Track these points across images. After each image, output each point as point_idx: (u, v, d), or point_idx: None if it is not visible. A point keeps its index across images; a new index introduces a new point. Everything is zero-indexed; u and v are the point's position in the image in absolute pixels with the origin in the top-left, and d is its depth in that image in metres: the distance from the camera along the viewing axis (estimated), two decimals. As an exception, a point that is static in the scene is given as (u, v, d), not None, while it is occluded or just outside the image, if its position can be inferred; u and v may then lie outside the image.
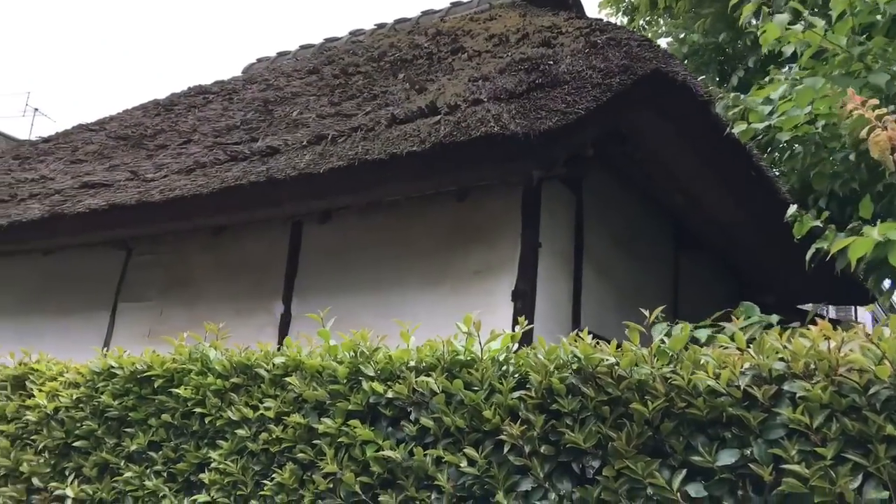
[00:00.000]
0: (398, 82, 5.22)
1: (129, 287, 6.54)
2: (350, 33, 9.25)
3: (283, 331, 5.56)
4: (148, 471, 2.78)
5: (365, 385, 2.48)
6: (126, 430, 2.91)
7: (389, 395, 2.43)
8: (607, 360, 2.20)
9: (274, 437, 2.55)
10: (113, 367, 3.00)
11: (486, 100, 4.13)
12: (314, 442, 2.49)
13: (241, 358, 2.80)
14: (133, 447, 2.81)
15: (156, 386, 2.84)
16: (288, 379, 2.59)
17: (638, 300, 5.33)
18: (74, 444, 2.95)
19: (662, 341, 2.23)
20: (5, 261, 7.04)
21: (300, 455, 2.47)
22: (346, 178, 4.43)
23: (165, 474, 2.78)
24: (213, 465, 2.61)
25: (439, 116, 4.15)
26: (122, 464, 2.82)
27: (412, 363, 2.52)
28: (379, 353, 2.63)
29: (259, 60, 10.17)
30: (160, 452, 2.80)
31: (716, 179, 5.34)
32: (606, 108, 4.06)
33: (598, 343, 2.37)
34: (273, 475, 2.50)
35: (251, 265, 5.90)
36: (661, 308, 2.53)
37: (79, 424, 2.97)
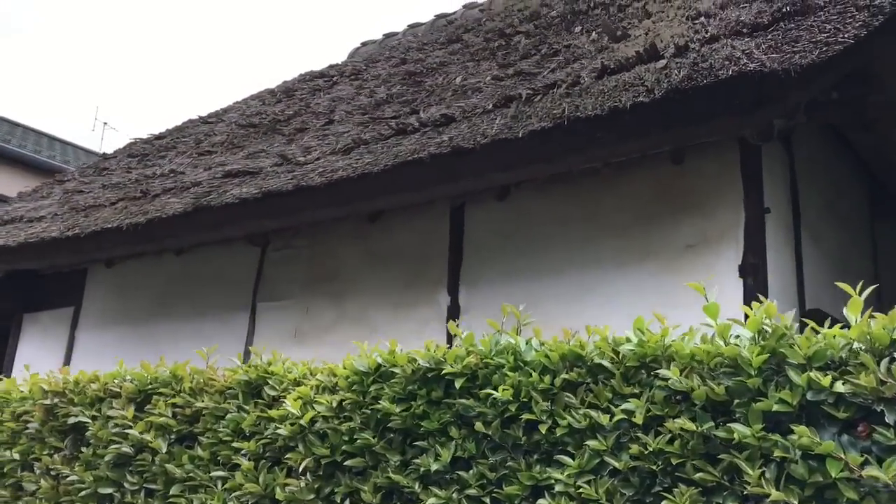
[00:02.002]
0: (579, 35, 4.59)
1: (268, 285, 6.07)
2: (464, 7, 8.70)
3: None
4: (457, 496, 2.19)
5: (795, 376, 1.82)
6: (415, 443, 2.33)
7: (839, 388, 1.77)
8: None
9: (651, 449, 1.93)
10: (383, 366, 2.42)
11: (723, 36, 3.46)
12: (718, 456, 1.87)
13: (572, 347, 2.18)
14: (433, 466, 2.22)
15: (457, 387, 2.24)
16: (661, 372, 1.96)
17: (847, 273, 4.63)
18: (345, 462, 2.39)
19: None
20: (136, 263, 6.66)
21: (698, 476, 1.84)
22: (545, 143, 3.82)
23: (488, 500, 2.17)
24: (556, 487, 2.00)
25: (664, 61, 3.50)
26: (416, 487, 2.23)
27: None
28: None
29: (364, 44, 9.70)
30: (471, 472, 2.21)
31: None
32: (874, 38, 3.35)
33: None
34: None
35: (406, 254, 5.35)
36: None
37: (346, 438, 2.41)
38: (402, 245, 5.37)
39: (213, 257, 6.34)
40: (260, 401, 2.61)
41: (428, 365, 2.33)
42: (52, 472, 3.01)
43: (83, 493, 2.87)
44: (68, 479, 2.92)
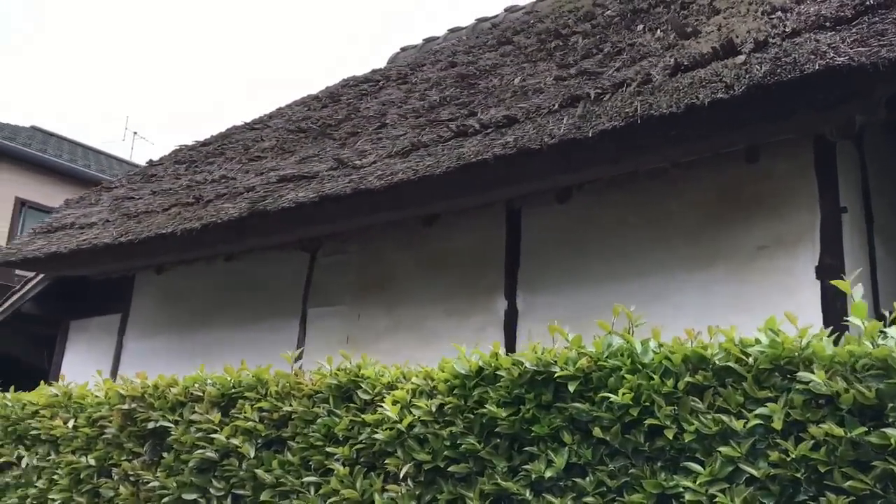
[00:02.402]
0: (641, 33, 4.50)
1: (319, 291, 6.02)
2: (506, 10, 8.65)
3: (510, 330, 4.90)
4: (573, 503, 2.09)
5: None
6: (525, 448, 2.23)
7: None
8: None
9: (793, 456, 1.81)
10: (485, 369, 2.33)
11: (804, 30, 3.35)
12: (871, 463, 1.75)
13: (695, 349, 2.09)
14: (546, 472, 2.12)
15: (571, 390, 2.15)
16: (801, 375, 1.85)
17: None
18: (448, 468, 2.31)
19: None
20: (185, 269, 6.63)
21: (849, 484, 1.73)
22: (615, 143, 3.72)
23: (609, 509, 2.05)
24: (686, 496, 1.89)
25: (743, 56, 3.39)
26: (527, 494, 2.14)
27: None
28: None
29: (404, 49, 9.68)
30: (588, 479, 2.10)
31: None
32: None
33: None
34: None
35: (461, 259, 5.27)
36: None
37: (448, 443, 2.32)
38: (457, 250, 5.30)
39: (263, 263, 6.31)
40: (352, 405, 2.54)
41: (536, 368, 2.24)
42: (132, 478, 2.96)
43: (166, 499, 2.81)
44: (149, 484, 2.87)
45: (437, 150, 4.39)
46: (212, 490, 2.70)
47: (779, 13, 3.60)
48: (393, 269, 5.62)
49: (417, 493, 2.26)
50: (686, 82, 3.49)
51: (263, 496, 2.55)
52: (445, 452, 2.26)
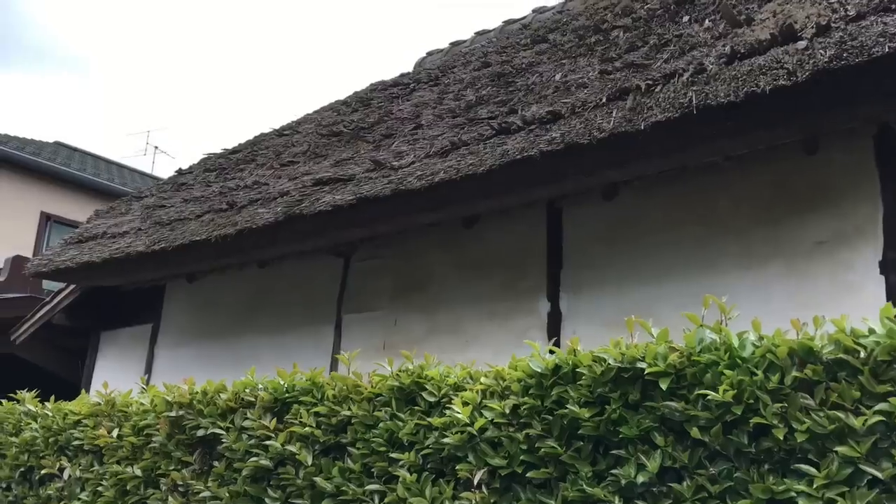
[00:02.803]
0: (687, 25, 4.36)
1: (353, 296, 5.92)
2: (534, 11, 8.54)
3: (554, 332, 4.76)
4: None
5: None
6: (611, 451, 2.08)
7: None
8: None
9: None
10: (562, 367, 2.20)
11: (869, 14, 3.21)
12: None
13: (802, 341, 1.95)
14: (638, 478, 1.96)
15: (664, 388, 2.02)
16: None
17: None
18: (527, 473, 2.17)
19: None
20: (217, 277, 6.57)
21: None
22: (668, 135, 3.59)
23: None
24: (800, 501, 1.73)
25: (805, 42, 3.25)
26: (616, 500, 1.98)
27: None
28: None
29: (430, 53, 9.59)
30: (685, 484, 1.94)
31: None
32: None
33: None
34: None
35: (500, 261, 5.15)
36: None
37: (524, 447, 2.18)
38: (497, 251, 5.17)
39: (296, 270, 6.22)
40: (416, 408, 2.41)
41: (621, 364, 2.10)
42: (181, 489, 2.85)
43: None
44: (200, 494, 2.76)
45: (478, 148, 4.27)
46: (267, 500, 2.58)
47: (836, -3, 3.45)
48: (430, 273, 5.50)
49: (493, 500, 2.13)
50: (744, 70, 3.36)
51: None
52: (522, 457, 2.13)
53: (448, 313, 5.33)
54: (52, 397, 3.70)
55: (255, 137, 8.00)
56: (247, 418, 2.73)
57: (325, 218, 4.80)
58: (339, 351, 5.86)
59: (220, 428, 2.78)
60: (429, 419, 2.31)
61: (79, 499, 3.19)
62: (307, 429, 2.54)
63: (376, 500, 2.33)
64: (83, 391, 3.72)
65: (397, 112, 5.94)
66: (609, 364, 2.10)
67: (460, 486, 2.22)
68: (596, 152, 3.76)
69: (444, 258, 5.44)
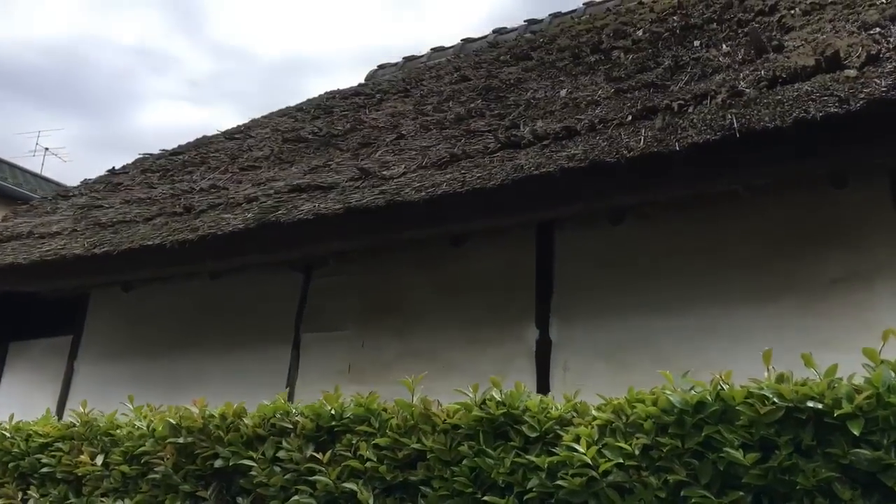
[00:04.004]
0: (699, 49, 4.24)
1: (314, 315, 5.50)
2: (495, 31, 8.40)
3: (543, 361, 4.50)
4: None
5: None
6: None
7: None
8: None
9: None
10: (706, 403, 1.88)
11: (918, 44, 3.14)
12: None
13: None
14: None
15: (856, 433, 1.67)
16: None
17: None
18: None
19: None
20: (159, 287, 6.00)
21: None
22: (701, 158, 3.41)
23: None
24: None
25: (854, 71, 3.15)
26: None
27: None
28: None
29: (381, 67, 9.32)
30: None
31: None
32: None
33: None
34: None
35: (484, 283, 4.86)
36: None
37: (662, 495, 1.82)
38: (481, 273, 4.88)
39: (250, 283, 5.74)
40: (510, 443, 2.06)
41: (790, 404, 1.83)
42: None
43: None
44: None
45: (483, 161, 4.00)
46: None
47: (877, 29, 3.38)
48: (404, 293, 5.15)
49: None
50: (790, 95, 3.22)
51: None
52: None
53: (423, 337, 4.99)
54: (11, 415, 3.16)
55: (199, 140, 7.49)
56: (281, 448, 2.32)
57: (304, 227, 4.40)
58: (296, 373, 5.43)
59: (248, 458, 2.35)
60: (529, 457, 1.98)
61: None
62: (370, 463, 2.16)
63: None
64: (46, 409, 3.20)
65: (370, 121, 5.61)
66: (775, 403, 1.84)
67: None
68: (622, 173, 3.54)
69: (420, 277, 5.11)
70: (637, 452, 1.88)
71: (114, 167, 7.25)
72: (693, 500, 1.82)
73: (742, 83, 3.50)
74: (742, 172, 3.59)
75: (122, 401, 6.11)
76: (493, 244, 4.80)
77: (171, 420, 2.58)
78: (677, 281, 4.20)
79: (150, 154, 7.47)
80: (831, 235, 3.87)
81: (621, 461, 1.88)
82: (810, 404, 1.82)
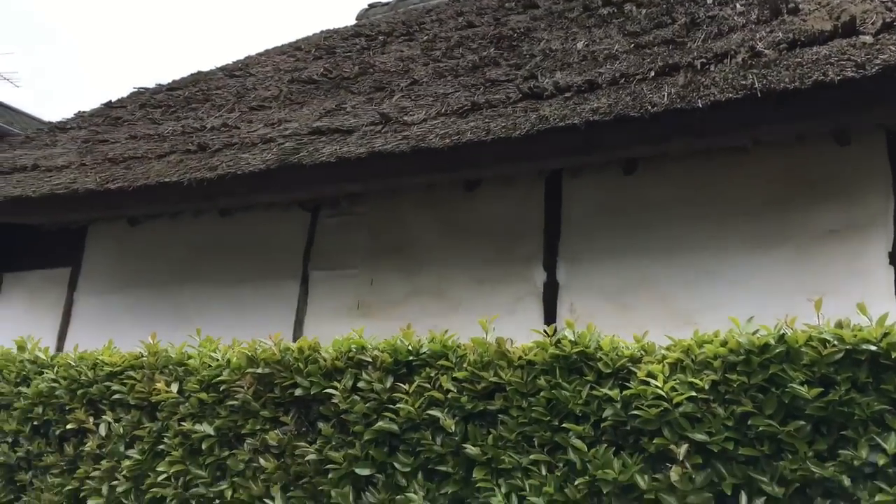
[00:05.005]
0: (712, 7, 4.41)
1: (322, 253, 5.66)
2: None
3: (550, 302, 4.75)
4: None
5: None
6: (842, 433, 2.01)
7: None
8: None
9: None
10: (771, 344, 2.11)
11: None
12: None
13: None
14: (872, 458, 1.91)
15: None
16: None
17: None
18: (738, 450, 2.07)
19: None
20: (163, 222, 6.09)
21: None
22: (719, 115, 3.63)
23: None
24: None
25: (869, 37, 3.37)
26: (845, 481, 1.93)
27: None
28: None
29: (372, 6, 9.29)
30: None
31: None
32: None
33: None
34: None
35: (493, 226, 5.06)
36: None
37: (729, 423, 2.07)
38: (489, 217, 5.08)
39: (256, 220, 5.87)
40: (585, 378, 2.30)
41: (850, 346, 2.09)
42: (274, 450, 2.60)
43: (331, 474, 2.48)
44: (307, 457, 2.53)
45: (506, 111, 4.17)
46: (397, 465, 2.40)
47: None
48: (412, 233, 5.33)
49: (695, 475, 2.07)
50: (809, 58, 3.43)
51: (476, 474, 2.28)
52: (726, 434, 2.09)
53: (432, 276, 5.20)
54: (76, 346, 3.30)
55: (194, 76, 7.47)
56: (360, 379, 2.53)
57: (324, 170, 4.53)
58: (305, 308, 5.62)
59: (331, 388, 2.55)
60: (604, 390, 2.22)
61: (129, 457, 2.86)
62: (451, 394, 2.38)
63: (543, 470, 2.22)
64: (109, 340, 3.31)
65: (380, 65, 5.69)
66: (836, 345, 2.09)
67: (647, 460, 2.15)
68: (644, 127, 3.74)
69: (429, 219, 5.29)
70: (707, 387, 2.13)
71: (110, 100, 7.20)
72: (759, 428, 2.09)
73: (759, 44, 3.69)
74: (755, 129, 3.81)
75: (128, 330, 6.26)
76: (504, 189, 4.99)
77: (248, 353, 2.76)
78: (681, 228, 4.45)
79: (146, 88, 7.44)
80: (829, 188, 4.14)
81: (693, 394, 2.13)
82: (867, 347, 2.08)
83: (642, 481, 2.10)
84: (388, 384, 2.49)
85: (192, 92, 6.69)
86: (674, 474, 2.06)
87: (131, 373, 2.97)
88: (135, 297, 6.34)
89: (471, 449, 2.32)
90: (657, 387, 2.12)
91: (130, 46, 45.97)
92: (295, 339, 5.43)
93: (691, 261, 4.41)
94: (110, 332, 6.23)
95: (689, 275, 4.40)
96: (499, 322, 4.75)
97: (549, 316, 4.70)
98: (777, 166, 4.26)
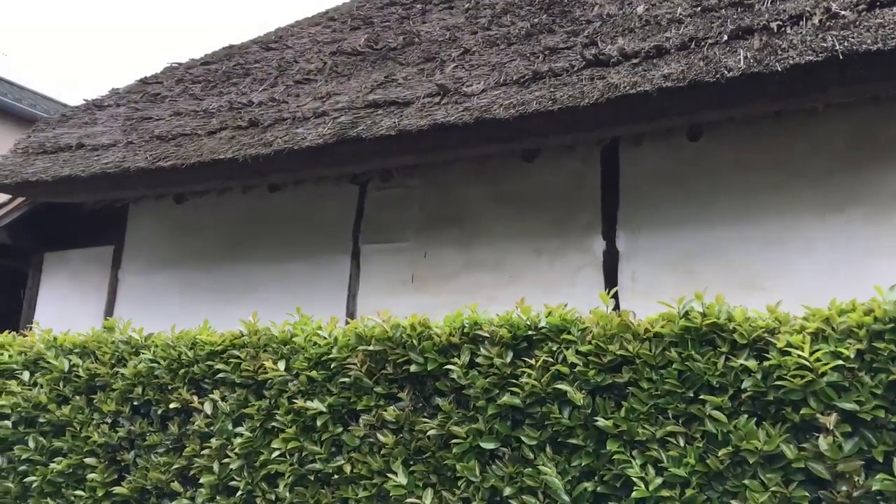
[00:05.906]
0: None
1: (373, 226, 5.65)
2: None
3: (611, 272, 4.74)
4: None
5: None
6: None
7: None
8: None
9: None
10: None
11: None
12: None
13: None
14: None
15: None
16: None
17: None
18: (891, 418, 2.03)
19: None
20: (208, 199, 6.07)
21: None
22: (796, 78, 3.58)
23: None
24: None
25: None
26: None
27: None
28: None
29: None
30: None
31: None
32: None
33: None
34: None
35: (549, 196, 5.03)
36: None
37: (878, 392, 2.05)
38: (545, 187, 5.05)
39: (302, 195, 5.86)
40: (719, 349, 2.29)
41: None
42: (392, 425, 2.61)
43: (456, 448, 2.49)
44: (428, 433, 2.53)
45: (571, 79, 4.11)
46: (524, 438, 2.41)
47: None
48: (465, 205, 5.32)
49: (842, 445, 2.07)
50: (890, 19, 3.37)
51: (610, 446, 2.29)
52: (875, 402, 2.09)
53: (487, 248, 5.19)
54: (173, 326, 3.31)
55: (226, 49, 7.39)
56: (478, 354, 2.53)
57: (382, 143, 4.50)
58: (357, 282, 5.62)
59: (450, 364, 2.55)
60: (741, 361, 2.21)
61: (238, 435, 2.88)
62: (577, 368, 2.37)
63: (681, 441, 2.22)
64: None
65: (425, 34, 5.62)
66: None
67: (790, 430, 2.15)
68: (718, 92, 3.70)
69: (482, 191, 5.26)
70: (852, 356, 2.12)
71: (145, 76, 7.15)
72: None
73: (834, 4, 3.63)
74: (828, 91, 3.76)
75: (176, 308, 6.27)
76: (560, 159, 4.96)
77: (357, 331, 2.76)
78: (745, 194, 4.42)
79: (179, 63, 7.38)
80: (894, 150, 4.10)
81: (840, 363, 2.12)
82: None
83: (789, 451, 2.10)
84: (509, 359, 2.48)
85: (230, 66, 6.63)
86: (823, 443, 2.07)
87: (234, 351, 2.98)
88: (181, 275, 6.36)
89: (602, 421, 2.32)
90: (801, 356, 2.12)
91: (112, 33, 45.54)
92: (349, 315, 5.50)
93: (757, 227, 4.38)
94: (158, 310, 6.33)
95: (754, 241, 4.38)
96: (558, 293, 4.81)
97: (610, 285, 4.68)
98: (847, 128, 4.21)
